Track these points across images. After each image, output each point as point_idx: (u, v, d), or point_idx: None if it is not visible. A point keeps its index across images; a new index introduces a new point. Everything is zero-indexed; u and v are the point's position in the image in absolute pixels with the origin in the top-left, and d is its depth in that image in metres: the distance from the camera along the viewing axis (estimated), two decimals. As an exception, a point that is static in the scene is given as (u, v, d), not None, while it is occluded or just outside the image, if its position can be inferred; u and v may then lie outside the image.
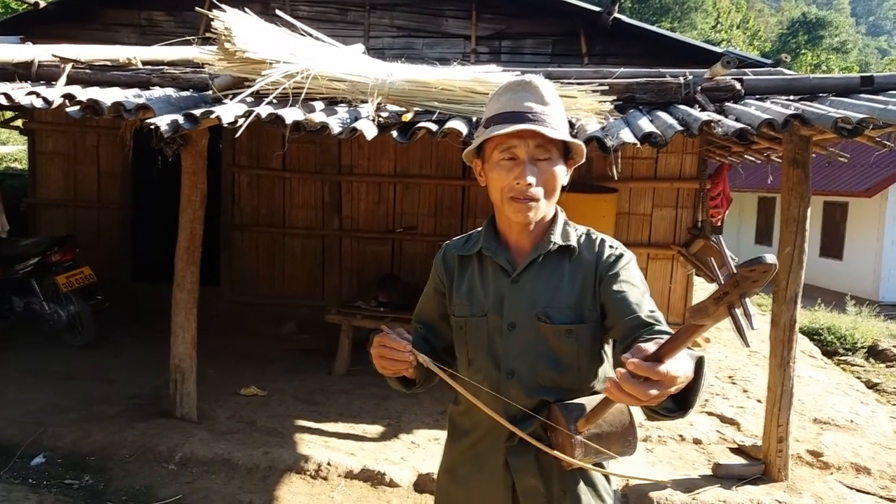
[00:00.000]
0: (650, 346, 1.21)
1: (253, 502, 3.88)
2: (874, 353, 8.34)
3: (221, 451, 4.32)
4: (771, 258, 1.00)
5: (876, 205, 15.00)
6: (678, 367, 1.19)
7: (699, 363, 1.35)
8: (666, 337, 1.24)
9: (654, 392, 1.17)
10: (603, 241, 1.70)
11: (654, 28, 8.08)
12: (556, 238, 1.67)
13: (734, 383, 6.34)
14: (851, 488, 4.39)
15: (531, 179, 1.57)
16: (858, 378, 7.23)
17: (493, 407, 1.58)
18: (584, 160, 1.70)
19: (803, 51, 37.92)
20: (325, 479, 4.20)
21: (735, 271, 1.03)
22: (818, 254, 16.47)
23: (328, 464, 4.27)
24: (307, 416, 5.05)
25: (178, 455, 4.27)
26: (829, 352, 8.35)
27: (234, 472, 4.16)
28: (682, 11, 38.94)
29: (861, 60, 44.54)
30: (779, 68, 5.88)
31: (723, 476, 4.36)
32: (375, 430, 4.90)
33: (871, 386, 6.97)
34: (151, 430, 4.52)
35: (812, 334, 8.94)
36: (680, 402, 1.37)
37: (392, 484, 4.18)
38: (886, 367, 7.85)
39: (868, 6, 78.47)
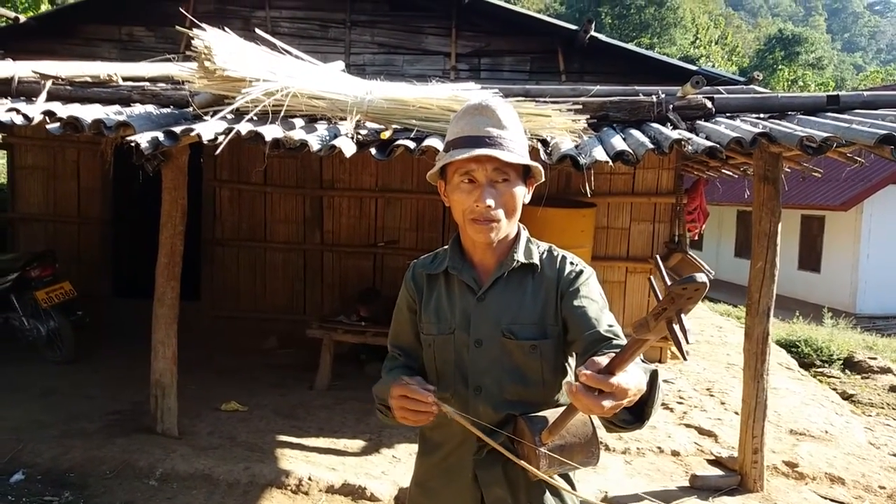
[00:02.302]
0: (603, 360, 1.26)
1: (233, 517, 3.89)
2: (850, 364, 8.45)
3: (202, 466, 4.32)
4: (702, 277, 1.05)
5: (852, 218, 15.25)
6: (629, 379, 1.25)
7: (653, 376, 1.41)
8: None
9: (607, 403, 1.22)
10: (564, 257, 1.76)
11: (629, 46, 8.22)
12: (520, 256, 1.72)
13: (712, 396, 6.42)
14: (826, 498, 4.47)
15: (490, 202, 1.61)
16: (834, 389, 7.34)
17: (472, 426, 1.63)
18: (544, 179, 1.75)
19: (780, 66, 38.47)
20: (306, 493, 4.21)
21: (670, 289, 1.09)
22: (796, 267, 16.70)
23: (309, 478, 4.29)
24: (288, 431, 5.06)
25: (158, 471, 4.27)
26: (805, 364, 8.46)
27: (215, 488, 4.16)
28: (661, 27, 39.48)
29: (837, 76, 45.26)
30: (751, 86, 6.01)
31: (700, 487, 4.43)
32: (356, 444, 4.92)
33: (847, 397, 7.08)
34: (132, 446, 4.52)
35: (789, 346, 9.06)
36: (637, 414, 1.43)
37: (373, 498, 4.20)
38: (862, 378, 7.96)
39: (843, 23, 79.98)
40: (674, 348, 4.81)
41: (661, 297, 1.12)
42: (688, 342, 1.11)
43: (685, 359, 1.11)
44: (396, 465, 4.57)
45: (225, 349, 7.11)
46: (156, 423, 4.72)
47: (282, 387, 6.10)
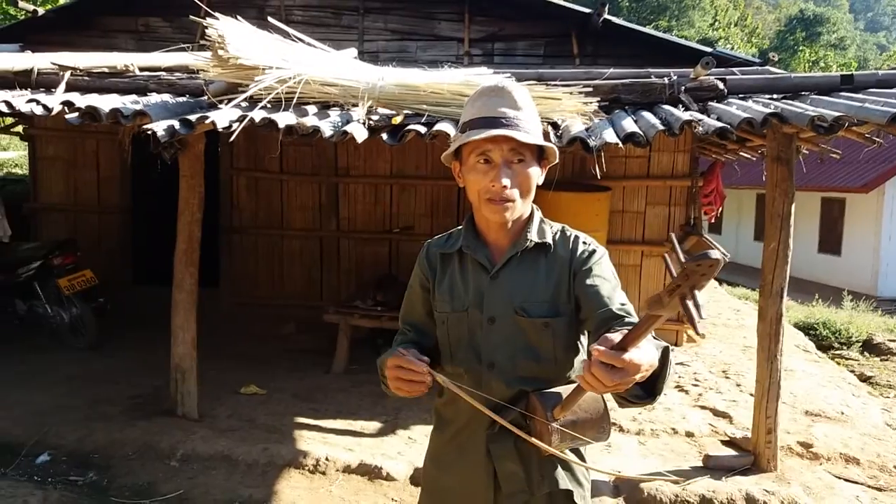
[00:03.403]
0: (616, 336, 1.29)
1: (253, 496, 3.97)
2: (869, 346, 8.42)
3: (222, 447, 4.42)
4: (716, 254, 1.07)
5: (873, 200, 15.06)
6: (641, 355, 1.28)
7: (665, 353, 1.44)
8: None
9: (619, 378, 1.25)
10: (577, 237, 1.78)
11: (643, 29, 8.18)
12: (533, 236, 1.75)
13: (727, 378, 6.41)
14: (840, 478, 4.47)
15: (506, 182, 1.64)
16: (852, 371, 7.31)
17: (474, 398, 1.67)
18: (557, 160, 1.78)
19: (801, 47, 37.95)
20: (323, 473, 4.29)
21: (685, 266, 1.11)
22: (816, 250, 16.56)
23: (326, 459, 4.37)
24: (306, 413, 5.15)
25: (179, 452, 4.37)
26: (823, 346, 8.43)
27: (235, 468, 4.26)
28: (679, 10, 38.99)
29: (860, 56, 44.55)
30: (767, 67, 5.97)
31: (713, 467, 4.44)
32: (373, 426, 5.00)
33: (865, 379, 7.05)
34: (153, 429, 4.62)
35: (808, 329, 9.02)
36: (648, 390, 1.46)
37: (389, 478, 4.27)
38: (881, 360, 7.93)
39: (866, 2, 78.45)
40: (690, 331, 4.84)
41: (675, 274, 1.15)
42: (701, 318, 1.14)
43: (699, 334, 1.14)
44: (412, 446, 4.64)
45: (244, 335, 7.21)
46: (176, 406, 4.82)
47: (300, 371, 6.19)
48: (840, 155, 6.25)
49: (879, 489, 4.37)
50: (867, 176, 14.79)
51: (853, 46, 46.66)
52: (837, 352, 8.24)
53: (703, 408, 5.57)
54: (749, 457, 4.49)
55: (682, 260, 1.12)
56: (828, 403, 5.76)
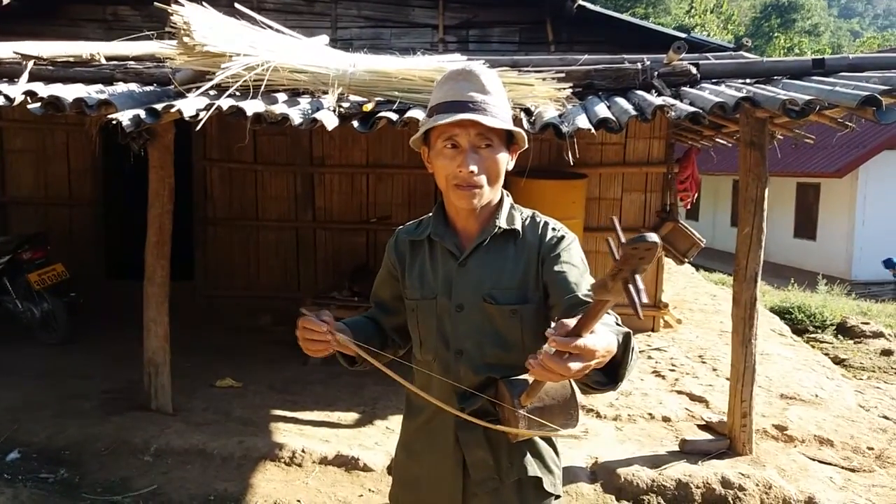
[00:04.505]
0: (571, 322, 1.25)
1: (228, 490, 3.93)
2: (843, 330, 8.50)
3: (196, 441, 4.37)
4: (652, 237, 1.05)
5: (847, 185, 15.24)
6: (596, 340, 1.25)
7: (626, 338, 1.41)
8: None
9: (574, 365, 1.22)
10: (546, 223, 1.76)
11: (618, 15, 8.18)
12: (501, 222, 1.73)
13: (704, 363, 6.45)
14: (814, 459, 4.52)
15: (473, 168, 1.61)
16: (826, 354, 7.38)
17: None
18: (527, 146, 1.74)
19: (776, 34, 38.21)
20: (299, 465, 4.26)
21: (623, 249, 1.09)
22: (792, 235, 16.73)
23: (303, 451, 4.33)
24: (283, 405, 5.11)
25: (153, 447, 4.31)
26: (798, 330, 8.51)
27: (210, 462, 4.21)
28: (656, -3, 39.02)
29: (833, 43, 44.93)
30: (741, 52, 5.98)
31: (689, 452, 4.47)
32: (350, 417, 4.97)
33: (838, 362, 7.12)
34: (126, 424, 4.56)
35: (783, 313, 9.10)
36: (611, 376, 1.44)
37: (366, 468, 4.25)
38: (854, 343, 8.01)
39: (840, -11, 79.06)
40: (667, 317, 4.81)
41: (617, 258, 1.13)
42: (641, 301, 1.11)
43: (640, 318, 1.12)
44: (390, 437, 4.61)
45: (220, 328, 7.14)
46: (150, 400, 4.75)
47: (277, 363, 6.14)
48: (814, 140, 6.29)
49: (852, 470, 4.42)
50: (841, 161, 14.95)
51: (827, 33, 46.99)
52: (812, 335, 8.32)
53: (679, 393, 5.61)
54: (725, 441, 4.52)
55: (623, 242, 1.10)
56: (802, 386, 5.82)
